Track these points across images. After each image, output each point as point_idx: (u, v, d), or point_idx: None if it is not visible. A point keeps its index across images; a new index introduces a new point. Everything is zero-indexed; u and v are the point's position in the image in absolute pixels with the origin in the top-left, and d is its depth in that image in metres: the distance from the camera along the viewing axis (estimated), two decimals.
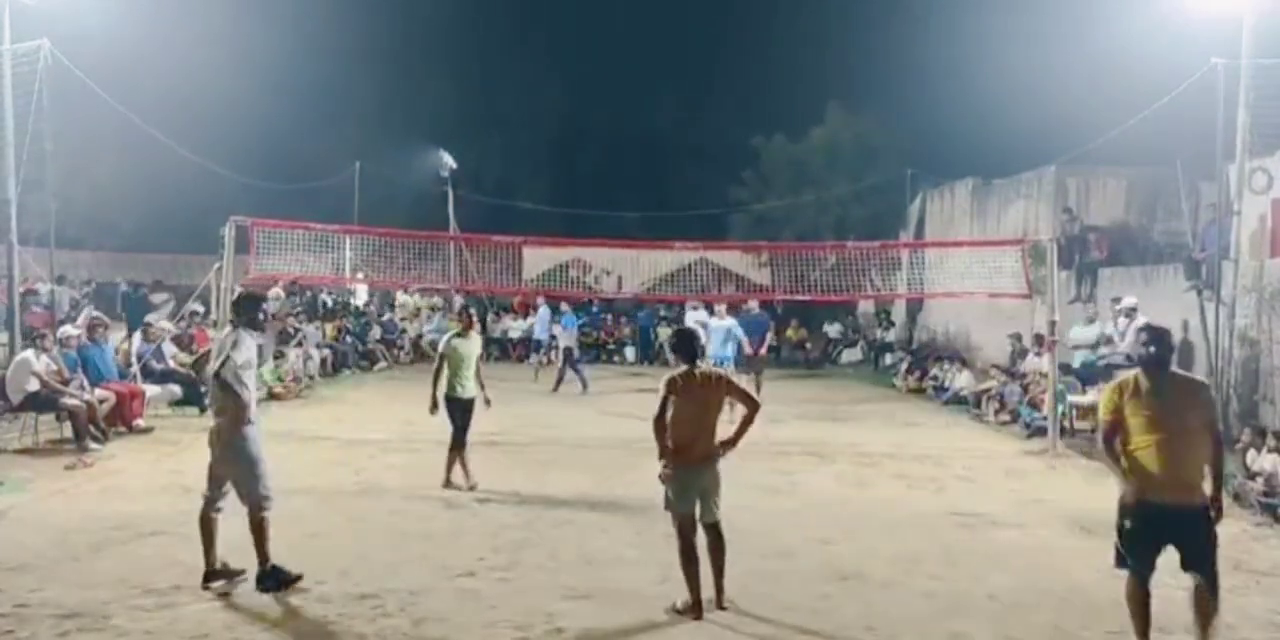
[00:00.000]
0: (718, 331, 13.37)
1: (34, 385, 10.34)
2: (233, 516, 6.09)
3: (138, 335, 13.33)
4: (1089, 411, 12.53)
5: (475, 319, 9.87)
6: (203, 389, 7.12)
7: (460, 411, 8.85)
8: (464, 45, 36.25)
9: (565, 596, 5.94)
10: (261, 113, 28.27)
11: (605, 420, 13.17)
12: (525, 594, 5.98)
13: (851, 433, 12.81)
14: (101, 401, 10.79)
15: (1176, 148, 14.01)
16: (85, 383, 10.88)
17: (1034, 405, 12.78)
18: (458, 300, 23.44)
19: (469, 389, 8.91)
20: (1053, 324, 11.85)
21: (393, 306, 24.06)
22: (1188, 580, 5.03)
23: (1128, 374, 5.24)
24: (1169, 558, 5.01)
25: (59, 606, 5.54)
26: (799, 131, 29.71)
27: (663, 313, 23.08)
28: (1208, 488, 5.02)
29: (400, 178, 29.16)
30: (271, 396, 13.94)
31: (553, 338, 18.49)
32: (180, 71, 25.32)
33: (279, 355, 15.60)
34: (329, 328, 19.36)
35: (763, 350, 15.66)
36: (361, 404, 14.75)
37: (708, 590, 5.72)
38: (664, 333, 22.01)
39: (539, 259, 22.03)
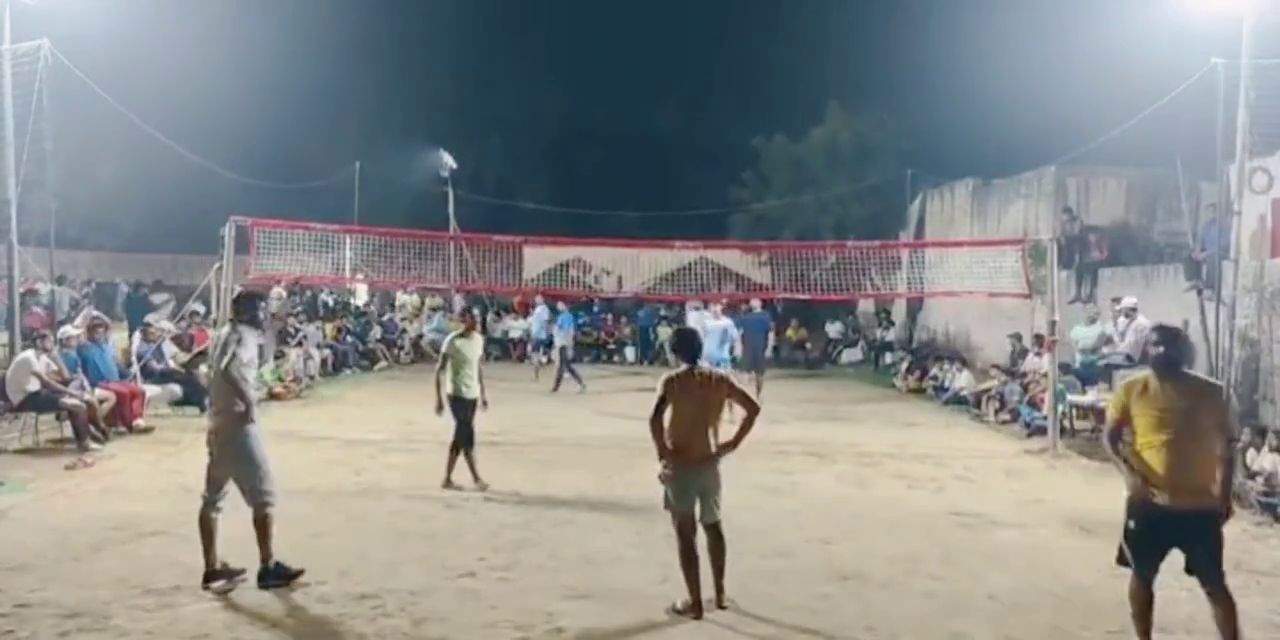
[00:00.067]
0: (714, 332, 13.38)
1: (34, 385, 10.35)
2: (232, 516, 6.10)
3: (138, 335, 13.34)
4: (1089, 411, 12.57)
5: (477, 320, 9.89)
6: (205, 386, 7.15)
7: (466, 411, 8.87)
8: (464, 45, 36.27)
9: (565, 596, 5.94)
10: (261, 113, 28.29)
11: (605, 420, 13.18)
12: (525, 594, 5.99)
13: (851, 433, 12.81)
14: (101, 401, 10.80)
15: (1176, 148, 14.00)
16: (85, 383, 10.89)
17: (1034, 405, 12.78)
18: (458, 300, 23.50)
19: (473, 389, 8.94)
20: (1053, 324, 11.86)
21: (393, 306, 24.07)
22: (1189, 580, 5.03)
23: (1141, 373, 5.20)
24: (1173, 558, 4.98)
25: (59, 606, 5.54)
26: (799, 131, 29.72)
27: (663, 312, 23.08)
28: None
29: (400, 178, 29.16)
30: (271, 396, 13.94)
31: (551, 337, 18.50)
32: (180, 71, 25.33)
33: (279, 355, 15.61)
34: (329, 328, 19.37)
35: (766, 350, 15.72)
36: (361, 404, 14.75)
37: (708, 590, 5.72)
38: (664, 333, 22.03)
39: (539, 259, 22.04)
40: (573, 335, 18.17)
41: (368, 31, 32.68)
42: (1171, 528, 4.89)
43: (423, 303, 24.08)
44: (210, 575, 5.93)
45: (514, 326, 22.61)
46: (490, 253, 17.83)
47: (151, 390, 12.21)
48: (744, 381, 11.10)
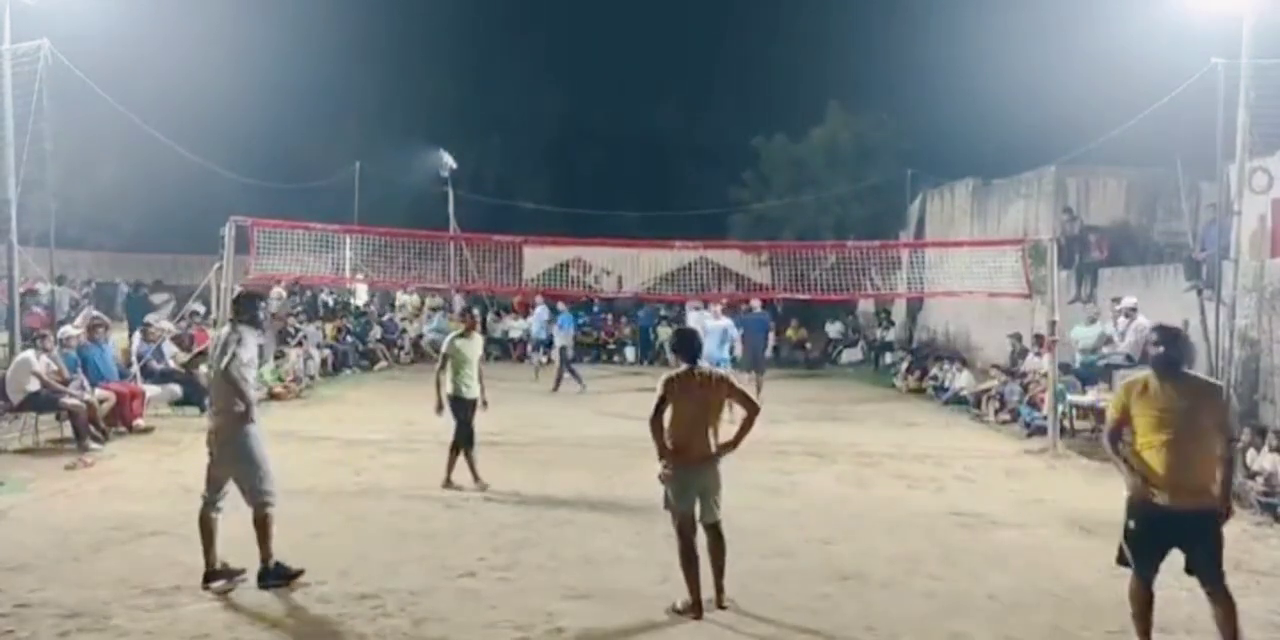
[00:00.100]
0: (714, 332, 13.38)
1: (34, 385, 10.35)
2: (232, 516, 6.10)
3: (138, 335, 13.34)
4: (1089, 411, 12.56)
5: (478, 320, 9.90)
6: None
7: (466, 411, 8.87)
8: (464, 45, 36.27)
9: (565, 596, 5.94)
10: (261, 113, 28.29)
11: (605, 420, 13.18)
12: (525, 594, 5.99)
13: (852, 433, 12.81)
14: (101, 401, 10.80)
15: (1176, 148, 14.00)
16: (85, 383, 10.89)
17: (1034, 405, 12.78)
18: (458, 300, 23.50)
19: (474, 389, 8.94)
20: (1053, 324, 11.86)
21: (393, 306, 24.08)
22: (1189, 580, 5.03)
23: (1141, 373, 5.19)
24: (1173, 558, 4.98)
25: (59, 606, 5.54)
26: (799, 131, 29.73)
27: (663, 312, 23.09)
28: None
29: (400, 178, 29.17)
30: (271, 396, 13.94)
31: (551, 337, 18.51)
32: (180, 71, 25.33)
33: (279, 355, 15.61)
34: (329, 328, 19.37)
35: (766, 350, 15.74)
36: (361, 404, 14.75)
37: (708, 590, 5.72)
38: (664, 333, 22.03)
39: (539, 259, 22.04)
40: (573, 335, 18.16)
41: (368, 31, 32.70)
42: (1171, 528, 4.88)
43: (423, 303, 24.10)
44: (210, 575, 5.93)
45: (514, 326, 22.62)
46: (490, 253, 17.85)
47: (151, 390, 12.21)
48: (744, 381, 11.11)
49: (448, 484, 8.78)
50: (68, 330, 11.89)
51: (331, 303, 22.12)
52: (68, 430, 10.38)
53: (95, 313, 14.58)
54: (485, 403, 9.06)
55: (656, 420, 5.69)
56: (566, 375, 16.64)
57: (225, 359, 5.96)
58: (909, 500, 8.93)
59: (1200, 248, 12.66)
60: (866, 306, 24.40)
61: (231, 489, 6.09)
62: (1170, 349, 5.01)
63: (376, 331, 20.91)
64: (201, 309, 14.98)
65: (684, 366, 5.83)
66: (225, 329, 6.31)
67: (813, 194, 28.01)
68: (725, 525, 5.84)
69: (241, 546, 6.06)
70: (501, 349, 21.95)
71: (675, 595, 5.76)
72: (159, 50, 24.21)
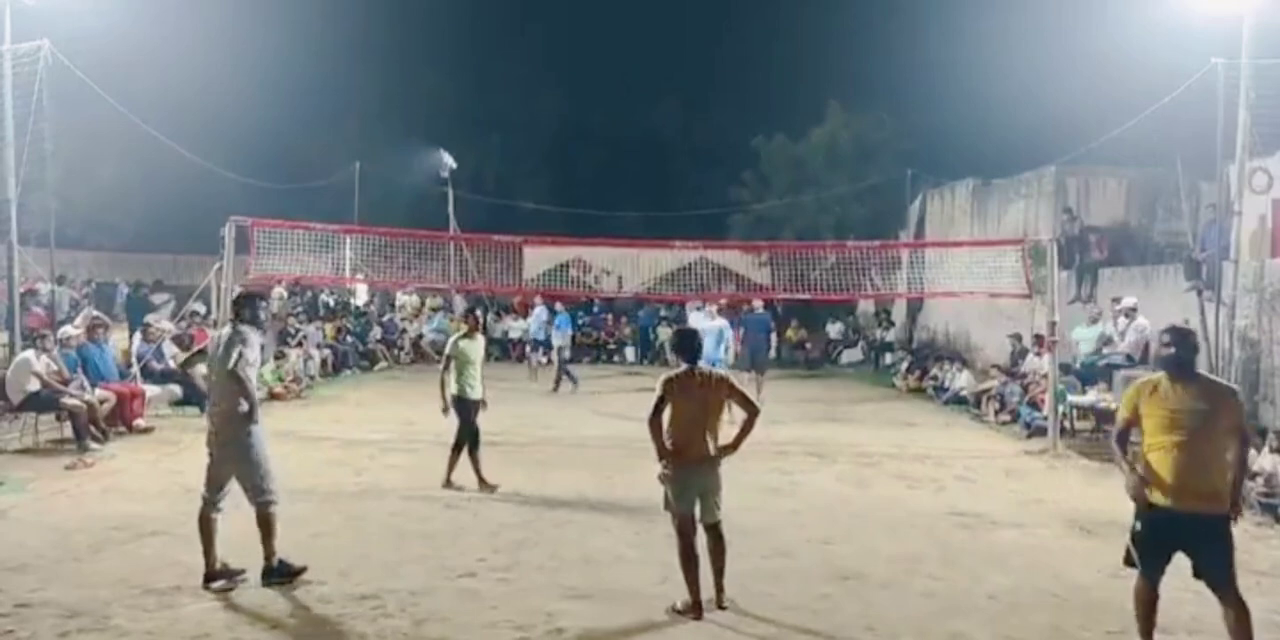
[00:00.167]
0: (710, 332, 13.38)
1: (34, 385, 10.36)
2: (233, 516, 6.11)
3: (138, 335, 13.33)
4: (1089, 412, 12.57)
5: (481, 321, 9.90)
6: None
7: (470, 412, 8.85)
8: (464, 45, 36.26)
9: (565, 596, 5.94)
10: (261, 113, 28.29)
11: (605, 420, 13.18)
12: (525, 594, 5.99)
13: (852, 433, 12.81)
14: (102, 401, 10.80)
15: (1176, 148, 14.01)
16: (85, 383, 10.89)
17: (1034, 405, 12.77)
18: (458, 300, 23.49)
19: (478, 389, 8.93)
20: (1053, 324, 11.86)
21: (393, 306, 24.07)
22: (1192, 581, 4.99)
23: (1154, 374, 5.15)
24: (1180, 559, 4.94)
25: (60, 606, 5.55)
26: (799, 131, 29.72)
27: (663, 313, 23.09)
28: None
29: (400, 178, 29.18)
30: (271, 396, 13.93)
31: (549, 338, 18.51)
32: (180, 72, 25.32)
33: (279, 355, 15.61)
34: (329, 328, 19.37)
35: (769, 350, 15.75)
36: (361, 404, 14.75)
37: (708, 590, 5.72)
38: (664, 333, 22.03)
39: (539, 259, 22.03)
40: (570, 336, 18.16)
41: (368, 31, 32.73)
42: (1178, 530, 4.84)
43: (423, 303, 24.10)
44: (210, 575, 5.94)
45: (514, 327, 22.62)
46: (490, 253, 17.81)
47: (151, 390, 12.22)
48: (744, 381, 11.11)
49: (448, 484, 8.77)
50: (68, 330, 11.89)
51: (332, 303, 22.11)
52: (68, 430, 10.38)
53: (95, 312, 14.58)
54: (485, 403, 9.07)
55: (656, 420, 5.69)
56: (564, 375, 16.65)
57: (233, 359, 5.97)
58: (909, 500, 8.93)
59: (1200, 248, 12.66)
60: (866, 307, 24.40)
61: (232, 489, 6.10)
62: (1181, 350, 4.97)
63: (376, 332, 20.92)
64: (202, 309, 14.98)
65: (684, 366, 5.83)
66: (226, 329, 6.31)
67: (813, 194, 28.00)
68: (725, 525, 5.84)
69: (242, 547, 6.07)
70: (501, 349, 21.95)
71: (675, 595, 5.76)
72: (159, 50, 24.19)
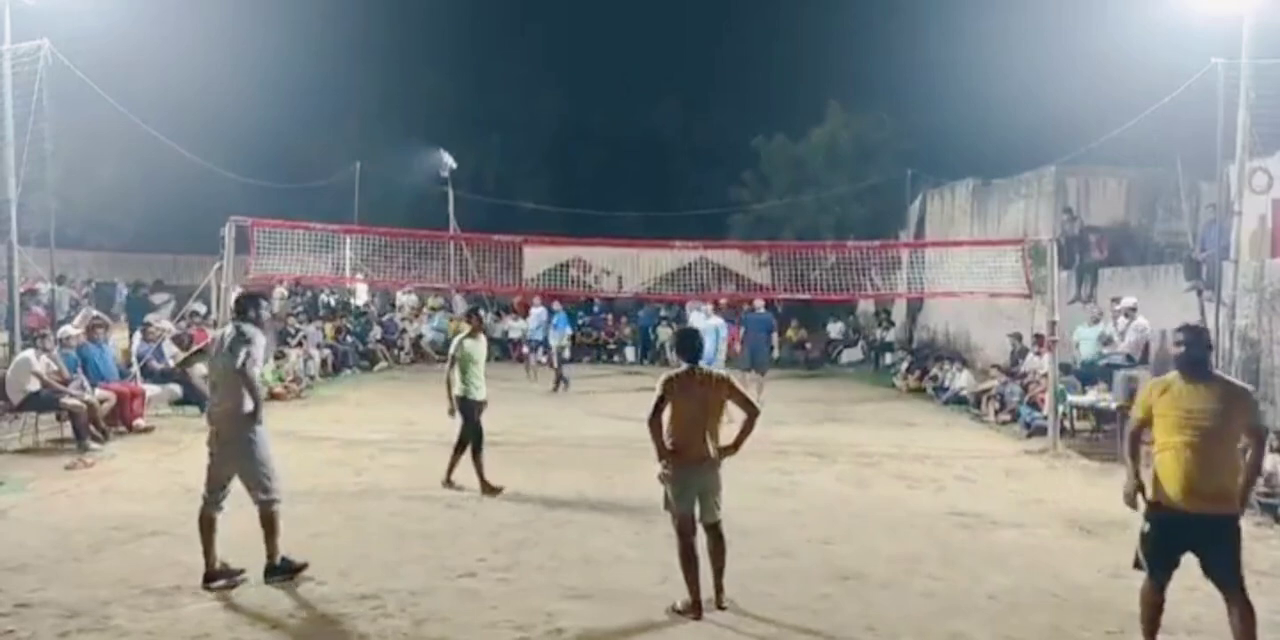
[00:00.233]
0: (707, 332, 13.38)
1: (34, 385, 10.35)
2: (232, 515, 6.11)
3: (138, 335, 13.33)
4: (1089, 411, 12.57)
5: (484, 321, 9.89)
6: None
7: (474, 412, 8.83)
8: (464, 45, 36.26)
9: (565, 596, 5.94)
10: (261, 113, 28.29)
11: (605, 420, 13.18)
12: (525, 594, 5.99)
13: (852, 433, 12.81)
14: (102, 401, 10.80)
15: (1176, 148, 14.01)
16: (85, 383, 10.89)
17: (1034, 405, 12.78)
18: (458, 300, 23.49)
19: (482, 390, 8.91)
20: (1053, 324, 11.86)
21: (393, 306, 24.07)
22: (1192, 581, 4.99)
23: (1168, 374, 5.09)
24: (1187, 560, 4.92)
25: (60, 606, 5.55)
26: (799, 131, 29.73)
27: (663, 313, 23.10)
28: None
29: (400, 178, 29.18)
30: (272, 396, 13.90)
31: (548, 338, 18.52)
32: (180, 72, 25.32)
33: (279, 355, 15.62)
34: (329, 328, 19.37)
35: (770, 350, 15.77)
36: (361, 404, 14.75)
37: (707, 590, 5.72)
38: (664, 333, 22.04)
39: (539, 259, 22.03)
40: (568, 336, 18.16)
41: (367, 31, 32.72)
42: (1187, 532, 4.80)
43: (422, 303, 24.10)
44: (210, 575, 5.94)
45: (514, 327, 22.62)
46: (490, 253, 17.81)
47: (151, 390, 12.21)
48: (744, 381, 11.11)
49: (448, 484, 8.77)
50: (67, 330, 11.89)
51: (333, 303, 22.11)
52: (68, 430, 10.38)
53: (95, 312, 14.58)
54: (486, 403, 9.06)
55: (655, 420, 5.69)
56: (565, 374, 16.65)
57: (240, 358, 5.97)
58: (909, 500, 8.93)
59: (1200, 248, 12.66)
60: (866, 306, 24.40)
61: (233, 488, 6.10)
62: (1193, 349, 4.91)
63: (376, 331, 20.92)
64: (202, 309, 14.98)
65: (684, 366, 5.83)
66: (228, 329, 6.28)
67: (813, 194, 28.01)
68: (725, 525, 5.84)
69: (242, 547, 6.07)
70: (501, 349, 21.95)
71: (675, 595, 5.76)
72: (159, 50, 24.18)
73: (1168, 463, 4.81)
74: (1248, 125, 10.91)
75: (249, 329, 6.13)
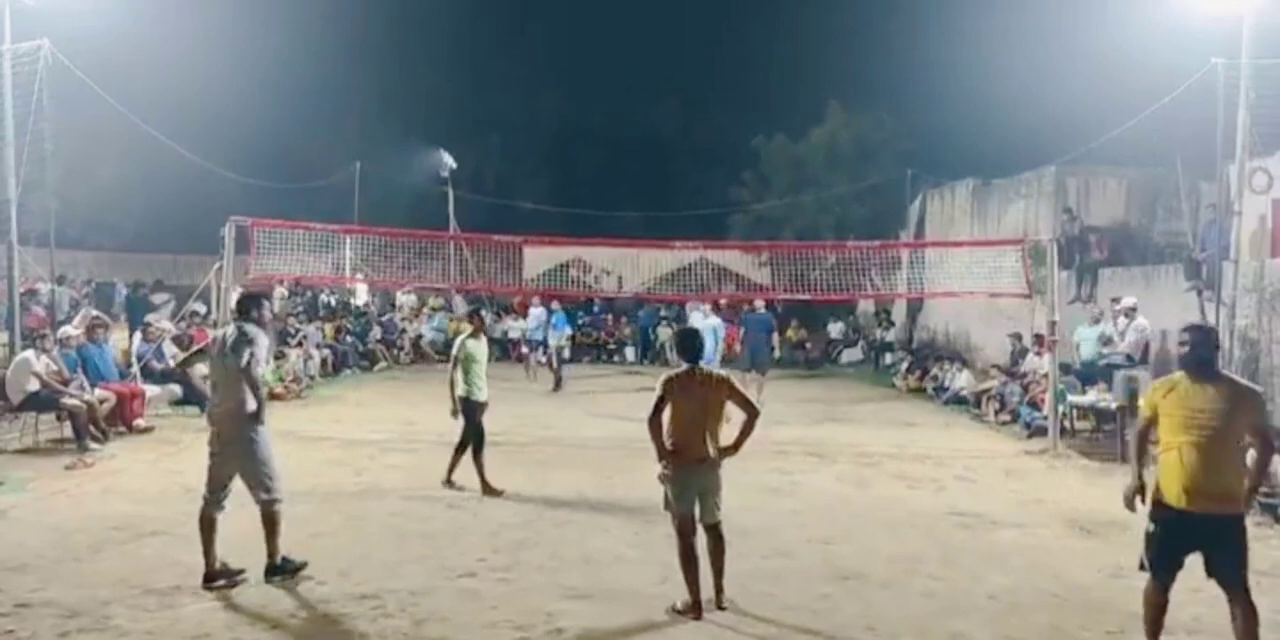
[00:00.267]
0: (705, 332, 13.37)
1: (34, 385, 10.35)
2: (232, 515, 6.11)
3: (138, 335, 13.33)
4: (1089, 411, 12.57)
5: (486, 321, 9.87)
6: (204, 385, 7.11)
7: (477, 413, 8.80)
8: (464, 45, 36.29)
9: (565, 596, 5.94)
10: (261, 113, 28.30)
11: (605, 420, 13.18)
12: (525, 594, 5.99)
13: (852, 433, 12.81)
14: (102, 401, 10.80)
15: (1176, 148, 14.02)
16: (85, 383, 10.89)
17: (1034, 405, 12.78)
18: (458, 300, 23.49)
19: (484, 391, 8.89)
20: (1053, 324, 11.86)
21: (393, 306, 24.08)
22: (1193, 581, 4.98)
23: (1175, 373, 5.05)
24: (1192, 560, 4.90)
25: (59, 606, 5.54)
26: (799, 131, 29.73)
27: (663, 313, 23.10)
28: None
29: (400, 178, 29.18)
30: (272, 396, 13.86)
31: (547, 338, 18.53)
32: (180, 72, 25.33)
33: (279, 355, 15.61)
34: (329, 328, 19.37)
35: (771, 350, 15.78)
36: (361, 404, 14.75)
37: (707, 590, 5.72)
38: (664, 333, 22.04)
39: (539, 259, 22.04)
40: (567, 336, 18.16)
41: (367, 31, 32.74)
42: (1191, 532, 4.77)
43: (422, 303, 24.11)
44: (210, 575, 5.94)
45: (514, 327, 22.63)
46: (490, 253, 17.82)
47: (151, 390, 12.21)
48: (744, 381, 11.11)
49: (448, 483, 8.76)
50: (67, 330, 11.89)
51: (333, 303, 22.11)
52: (68, 430, 10.38)
53: (95, 312, 14.58)
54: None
55: (655, 420, 5.69)
56: (564, 374, 16.64)
57: (244, 358, 5.98)
58: (909, 500, 8.93)
59: (1200, 248, 12.66)
60: (866, 307, 24.41)
61: (234, 488, 6.10)
62: (1198, 348, 4.87)
63: (376, 331, 20.92)
64: (202, 309, 14.98)
65: (684, 366, 5.83)
66: (230, 329, 6.28)
67: (813, 194, 28.01)
68: (725, 526, 5.84)
69: (242, 547, 6.07)
70: (501, 349, 21.96)
71: (675, 595, 5.76)
72: (159, 50, 24.19)
73: (1172, 463, 4.79)
74: (1248, 125, 10.91)
75: (251, 329, 6.14)
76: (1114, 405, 11.36)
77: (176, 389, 12.67)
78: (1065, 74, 23.27)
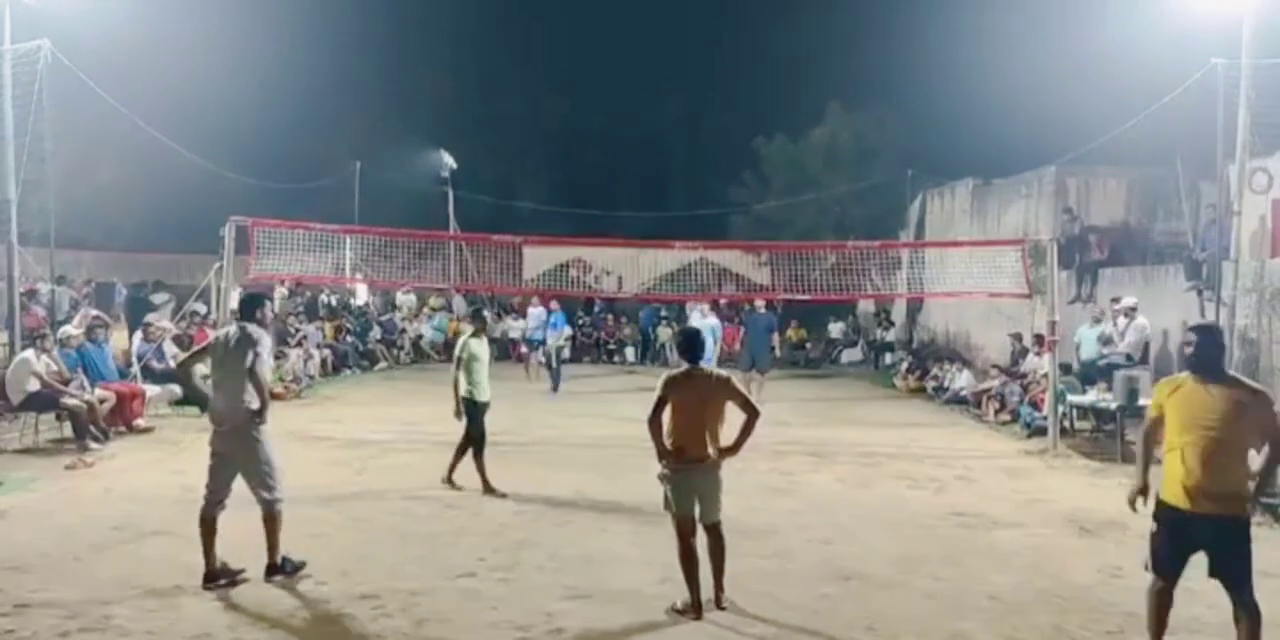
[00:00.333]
0: (703, 331, 13.38)
1: (34, 385, 10.36)
2: (232, 515, 6.11)
3: (138, 335, 13.34)
4: (1089, 411, 12.57)
5: (489, 321, 9.86)
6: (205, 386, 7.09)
7: (479, 414, 8.79)
8: (464, 45, 36.28)
9: (565, 596, 5.94)
10: (261, 112, 28.30)
11: (605, 420, 13.17)
12: (525, 594, 5.99)
13: (852, 433, 12.81)
14: (102, 401, 10.80)
15: (1176, 148, 14.01)
16: (85, 383, 10.89)
17: (1034, 405, 12.78)
18: (458, 300, 23.48)
19: (486, 391, 8.86)
20: (1053, 324, 11.85)
21: (393, 306, 24.08)
22: (1193, 581, 4.98)
23: (1181, 373, 5.01)
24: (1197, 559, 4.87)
25: (60, 606, 5.55)
26: (799, 131, 29.72)
27: (663, 313, 23.11)
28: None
29: (400, 178, 29.17)
30: (272, 396, 13.85)
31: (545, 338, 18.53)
32: (180, 72, 25.33)
33: (279, 355, 15.62)
34: (329, 328, 19.37)
35: (772, 350, 15.78)
36: (362, 404, 14.76)
37: (708, 590, 5.72)
38: (664, 333, 22.04)
39: (539, 259, 22.03)
40: (566, 336, 18.16)
41: (368, 31, 32.74)
42: (1194, 533, 4.74)
43: (422, 303, 24.10)
44: (210, 575, 5.94)
45: (514, 327, 22.63)
46: (490, 253, 17.81)
47: (151, 390, 12.21)
48: (744, 381, 11.11)
49: (448, 481, 8.77)
50: (68, 330, 11.89)
51: (333, 303, 22.10)
52: (68, 430, 10.39)
53: (94, 312, 14.58)
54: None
55: (655, 420, 5.68)
56: (564, 374, 16.62)
57: (250, 359, 6.00)
58: (910, 500, 8.93)
59: (1200, 248, 12.66)
60: (866, 307, 24.40)
61: (235, 488, 6.10)
62: (1202, 348, 4.82)
63: (376, 331, 20.92)
64: (202, 309, 14.98)
65: (685, 366, 5.83)
66: (233, 329, 6.28)
67: (813, 194, 28.00)
68: (726, 526, 5.84)
69: (242, 547, 6.07)
70: (501, 349, 21.94)
71: (675, 595, 5.76)
72: (159, 51, 24.19)
73: (1175, 463, 4.77)
74: (1248, 125, 10.91)
75: (256, 330, 6.15)
76: (1114, 405, 11.37)
77: (176, 389, 12.66)
78: (1065, 74, 23.27)
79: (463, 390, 8.76)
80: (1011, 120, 24.21)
